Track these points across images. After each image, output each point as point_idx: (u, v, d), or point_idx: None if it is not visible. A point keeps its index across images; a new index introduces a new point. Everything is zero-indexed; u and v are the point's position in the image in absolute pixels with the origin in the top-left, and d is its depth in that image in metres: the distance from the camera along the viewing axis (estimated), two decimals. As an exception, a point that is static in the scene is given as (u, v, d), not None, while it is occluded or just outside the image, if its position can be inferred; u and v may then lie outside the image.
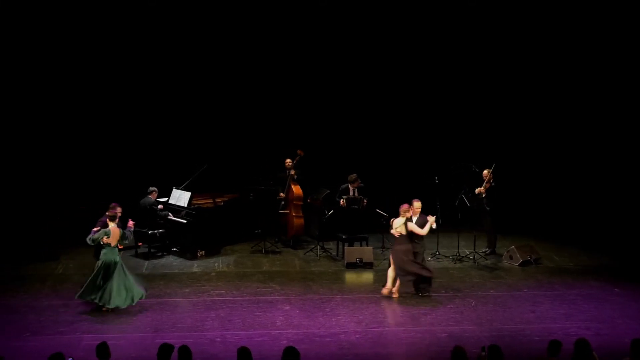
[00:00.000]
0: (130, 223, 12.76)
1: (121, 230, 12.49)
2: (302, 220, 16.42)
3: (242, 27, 18.05)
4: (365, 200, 15.55)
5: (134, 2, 17.32)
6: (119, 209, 12.72)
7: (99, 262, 12.32)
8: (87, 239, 12.53)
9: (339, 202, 15.63)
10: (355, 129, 18.94)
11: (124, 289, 12.26)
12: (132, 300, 12.34)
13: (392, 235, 13.21)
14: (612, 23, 17.89)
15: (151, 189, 15.60)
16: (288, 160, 16.34)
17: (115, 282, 12.22)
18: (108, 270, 12.24)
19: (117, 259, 12.38)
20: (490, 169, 15.70)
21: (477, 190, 15.60)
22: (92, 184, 18.01)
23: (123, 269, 12.41)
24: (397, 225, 13.06)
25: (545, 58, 18.67)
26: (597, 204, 18.28)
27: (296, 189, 16.31)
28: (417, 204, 13.24)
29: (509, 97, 19.08)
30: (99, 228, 12.64)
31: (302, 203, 16.36)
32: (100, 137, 18.24)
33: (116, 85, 18.13)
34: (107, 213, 12.67)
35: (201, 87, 18.45)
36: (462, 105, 19.18)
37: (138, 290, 12.42)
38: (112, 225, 12.44)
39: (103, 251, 12.33)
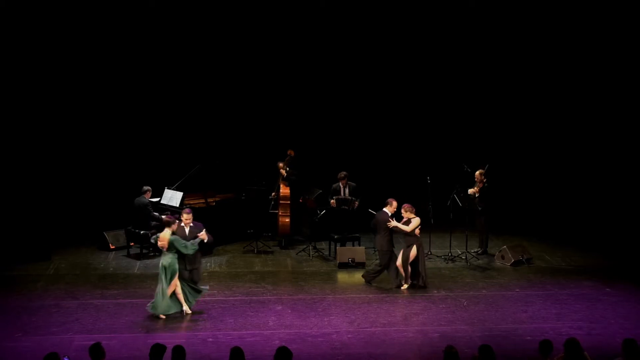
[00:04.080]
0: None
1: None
2: (287, 220, 16.35)
3: (236, 26, 17.97)
4: (356, 202, 15.59)
5: (130, 2, 17.32)
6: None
7: (171, 270, 12.09)
8: (189, 247, 12.21)
9: (330, 202, 15.68)
10: (348, 129, 18.91)
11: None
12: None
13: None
14: (610, 23, 17.92)
15: (145, 188, 15.53)
16: (280, 163, 16.33)
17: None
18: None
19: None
20: (483, 169, 15.74)
21: (470, 192, 15.63)
22: (85, 182, 17.96)
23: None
24: (418, 224, 13.50)
25: (538, 57, 18.66)
26: (590, 204, 18.31)
27: (283, 189, 16.31)
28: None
29: (501, 96, 19.07)
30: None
31: (289, 202, 16.31)
32: (93, 136, 18.14)
33: (109, 84, 18.02)
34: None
35: (195, 86, 18.36)
36: (454, 105, 19.16)
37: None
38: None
39: (173, 257, 12.13)
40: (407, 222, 13.51)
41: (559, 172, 18.98)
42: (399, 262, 13.68)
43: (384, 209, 13.75)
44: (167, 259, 12.10)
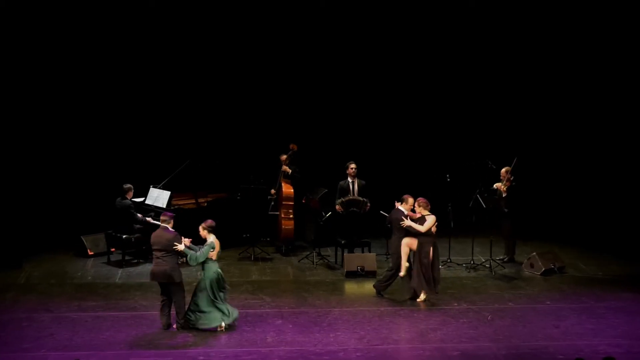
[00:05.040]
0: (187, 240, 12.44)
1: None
2: (291, 223, 16.37)
3: (232, 20, 18.05)
4: (368, 204, 15.57)
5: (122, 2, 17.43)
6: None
7: (206, 282, 12.24)
8: (193, 260, 12.10)
9: (336, 207, 15.65)
10: (357, 120, 18.94)
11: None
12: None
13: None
14: (621, 20, 17.97)
15: (126, 186, 15.51)
16: (283, 156, 16.37)
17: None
18: (219, 284, 12.29)
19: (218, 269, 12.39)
20: (509, 166, 15.70)
21: (496, 186, 15.62)
22: (60, 181, 17.97)
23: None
24: (433, 223, 13.44)
25: (569, 49, 18.71)
26: (629, 206, 18.29)
27: (286, 188, 16.29)
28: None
29: (529, 87, 19.08)
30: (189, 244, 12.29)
31: (292, 203, 16.32)
32: (68, 129, 18.15)
33: (86, 74, 18.06)
34: (204, 226, 12.28)
35: (181, 74, 18.39)
36: (476, 97, 19.18)
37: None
38: (213, 237, 12.28)
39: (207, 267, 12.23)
40: (421, 220, 13.47)
41: (595, 172, 18.93)
42: (403, 249, 13.58)
43: (399, 207, 13.68)
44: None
